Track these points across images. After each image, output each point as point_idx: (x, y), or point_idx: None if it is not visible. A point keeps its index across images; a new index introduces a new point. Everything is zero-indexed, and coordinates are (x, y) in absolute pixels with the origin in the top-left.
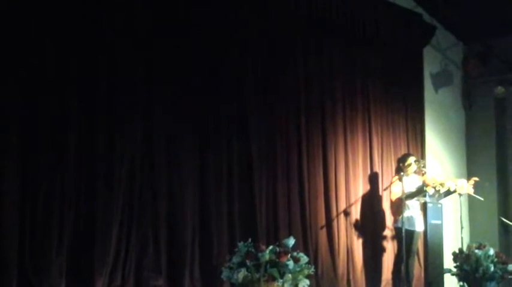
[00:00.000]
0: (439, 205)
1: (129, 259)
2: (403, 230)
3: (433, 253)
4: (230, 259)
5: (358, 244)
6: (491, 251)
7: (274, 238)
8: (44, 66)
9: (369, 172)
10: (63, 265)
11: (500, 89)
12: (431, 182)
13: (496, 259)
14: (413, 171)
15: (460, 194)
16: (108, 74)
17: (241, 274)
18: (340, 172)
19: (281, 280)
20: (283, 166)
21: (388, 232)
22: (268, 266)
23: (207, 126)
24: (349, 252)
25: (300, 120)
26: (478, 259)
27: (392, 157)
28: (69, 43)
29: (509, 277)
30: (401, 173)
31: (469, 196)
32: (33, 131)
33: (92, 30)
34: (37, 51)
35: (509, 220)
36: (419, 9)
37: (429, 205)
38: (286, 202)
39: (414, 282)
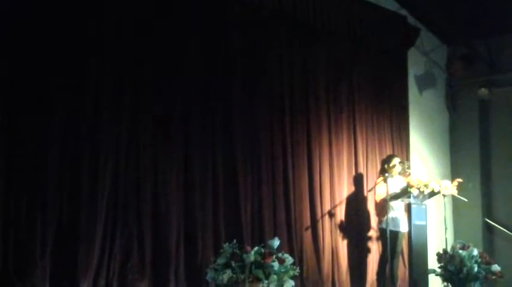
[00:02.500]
0: (423, 206)
1: (113, 261)
2: (388, 231)
3: (417, 253)
4: (215, 260)
5: (343, 245)
6: (475, 252)
7: (259, 239)
8: (29, 68)
9: (353, 173)
10: (47, 268)
11: (483, 91)
12: (416, 183)
13: (479, 260)
14: (397, 172)
15: (444, 195)
16: (94, 75)
17: (226, 275)
18: (324, 173)
19: (266, 281)
20: (268, 167)
21: (372, 233)
22: (253, 267)
23: (191, 127)
24: (334, 253)
25: (284, 122)
26: (462, 260)
27: (377, 158)
28: (57, 44)
29: (493, 277)
30: (386, 175)
31: (453, 197)
32: (17, 133)
33: (81, 31)
34: (23, 53)
35: (492, 221)
36: (404, 12)
37: (413, 206)
38: (271, 203)
39: (399, 283)
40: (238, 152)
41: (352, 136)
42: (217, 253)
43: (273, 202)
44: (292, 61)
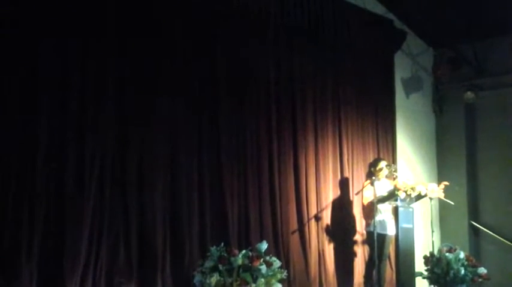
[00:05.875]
0: (410, 209)
1: (99, 264)
2: (375, 234)
3: (404, 256)
4: (202, 264)
5: (329, 248)
6: (462, 255)
7: (246, 242)
8: (13, 68)
9: (339, 176)
10: (34, 271)
11: (469, 95)
12: (403, 187)
13: (466, 262)
14: (384, 175)
15: (430, 198)
16: (79, 75)
17: (214, 278)
18: (310, 177)
19: (254, 285)
20: (253, 170)
21: (359, 236)
22: (240, 270)
23: (177, 130)
24: (321, 256)
25: (270, 125)
26: (448, 262)
27: (363, 162)
28: (41, 46)
29: (480, 279)
30: (373, 178)
31: (440, 200)
32: (2, 135)
33: (66, 32)
34: (7, 54)
35: (479, 224)
36: (390, 15)
37: (400, 209)
38: (257, 206)
39: (386, 285)
40: (224, 155)
41: (338, 139)
42: (203, 257)
43: (259, 206)
44: (279, 64)
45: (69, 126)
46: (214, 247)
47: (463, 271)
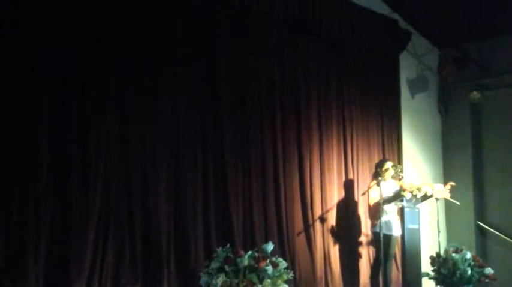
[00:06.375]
0: (416, 210)
1: (105, 266)
2: (381, 235)
3: (410, 257)
4: (208, 265)
5: (335, 249)
6: (468, 255)
7: (251, 242)
8: (18, 68)
9: (343, 176)
10: (40, 273)
11: (475, 95)
12: (409, 187)
13: (472, 263)
14: (390, 176)
15: (436, 199)
16: (79, 75)
17: (220, 279)
18: (315, 177)
19: (260, 285)
20: (258, 170)
21: (364, 237)
22: (247, 271)
23: (181, 131)
24: (326, 256)
25: (275, 126)
26: (455, 263)
27: (368, 162)
28: (41, 45)
29: (486, 280)
30: (379, 178)
31: (446, 200)
32: (6, 137)
33: (64, 31)
34: (7, 53)
35: (485, 224)
36: (395, 16)
37: (406, 210)
38: (262, 207)
39: (392, 286)
40: (228, 156)
41: (342, 140)
42: (209, 257)
43: (264, 206)
44: (282, 64)
45: (71, 126)
46: (221, 248)
47: (469, 272)
